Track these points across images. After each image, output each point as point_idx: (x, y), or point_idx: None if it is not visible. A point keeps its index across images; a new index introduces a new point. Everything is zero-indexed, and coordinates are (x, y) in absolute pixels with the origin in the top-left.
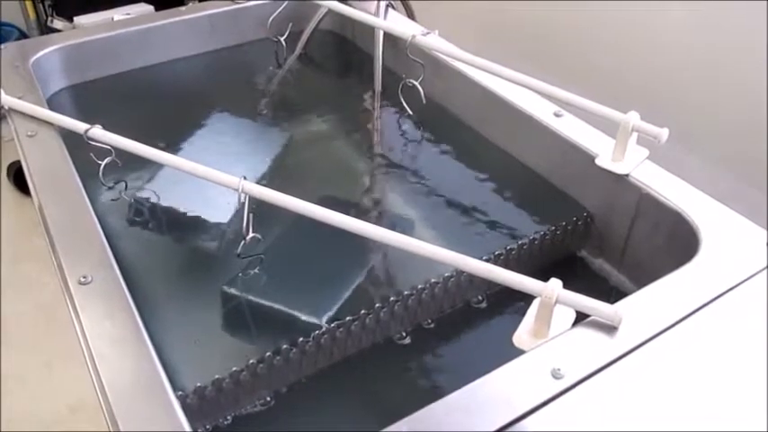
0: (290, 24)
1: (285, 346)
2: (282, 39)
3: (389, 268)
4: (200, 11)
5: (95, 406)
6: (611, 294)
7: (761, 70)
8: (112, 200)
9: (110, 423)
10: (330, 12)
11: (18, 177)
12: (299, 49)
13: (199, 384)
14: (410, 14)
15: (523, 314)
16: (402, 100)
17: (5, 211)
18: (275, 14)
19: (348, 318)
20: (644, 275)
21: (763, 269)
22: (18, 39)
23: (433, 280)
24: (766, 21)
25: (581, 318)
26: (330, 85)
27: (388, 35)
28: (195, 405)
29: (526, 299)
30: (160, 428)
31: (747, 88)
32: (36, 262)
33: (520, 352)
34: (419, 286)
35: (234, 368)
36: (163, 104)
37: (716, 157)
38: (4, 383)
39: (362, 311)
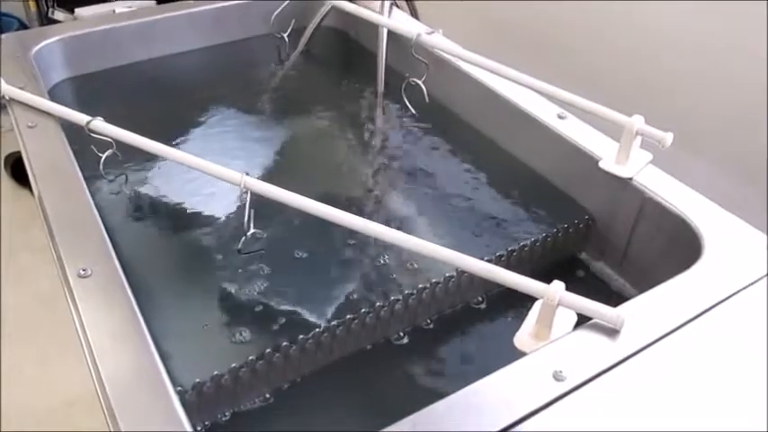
0: (294, 21)
1: (285, 344)
2: (285, 35)
3: (390, 267)
4: (203, 5)
5: (91, 399)
6: (612, 298)
7: (762, 72)
8: (113, 193)
9: (108, 418)
10: (333, 9)
11: (15, 169)
12: (301, 46)
13: (198, 380)
14: (414, 13)
15: (523, 316)
16: (405, 99)
17: (2, 203)
18: (278, 11)
19: (348, 316)
20: (645, 280)
21: (765, 275)
22: (18, 30)
23: (434, 280)
24: (767, 22)
25: (582, 321)
26: (333, 82)
27: (390, 33)
28: (194, 401)
29: (526, 300)
30: (159, 424)
31: (752, 93)
32: (33, 254)
33: (520, 353)
34: (420, 285)
35: (233, 365)
36: (164, 98)
37: (719, 161)
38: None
39: (363, 310)
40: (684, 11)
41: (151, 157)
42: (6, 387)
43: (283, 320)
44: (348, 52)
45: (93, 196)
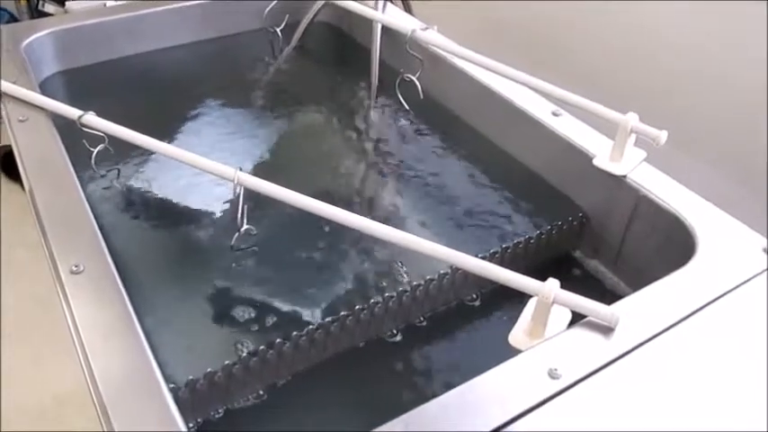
0: (287, 15)
1: (278, 340)
2: (278, 30)
3: (384, 264)
4: None
5: (83, 397)
6: (606, 296)
7: (761, 73)
8: (105, 188)
9: (101, 415)
10: (327, 4)
11: (6, 163)
12: (295, 41)
13: (191, 377)
14: (408, 10)
15: (517, 314)
16: (399, 95)
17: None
18: (272, 5)
19: (342, 313)
20: (638, 278)
21: (759, 273)
22: (8, 22)
23: (428, 277)
24: (766, 23)
25: (576, 318)
26: (326, 77)
27: (385, 29)
28: (187, 398)
29: (520, 298)
30: (152, 422)
31: (748, 91)
32: (27, 250)
33: (514, 351)
34: (414, 282)
35: (226, 361)
36: (157, 93)
37: (716, 161)
38: None
39: (357, 307)
40: (681, 11)
41: (143, 152)
42: (5, 387)
43: (277, 317)
44: (342, 48)
45: (84, 191)
